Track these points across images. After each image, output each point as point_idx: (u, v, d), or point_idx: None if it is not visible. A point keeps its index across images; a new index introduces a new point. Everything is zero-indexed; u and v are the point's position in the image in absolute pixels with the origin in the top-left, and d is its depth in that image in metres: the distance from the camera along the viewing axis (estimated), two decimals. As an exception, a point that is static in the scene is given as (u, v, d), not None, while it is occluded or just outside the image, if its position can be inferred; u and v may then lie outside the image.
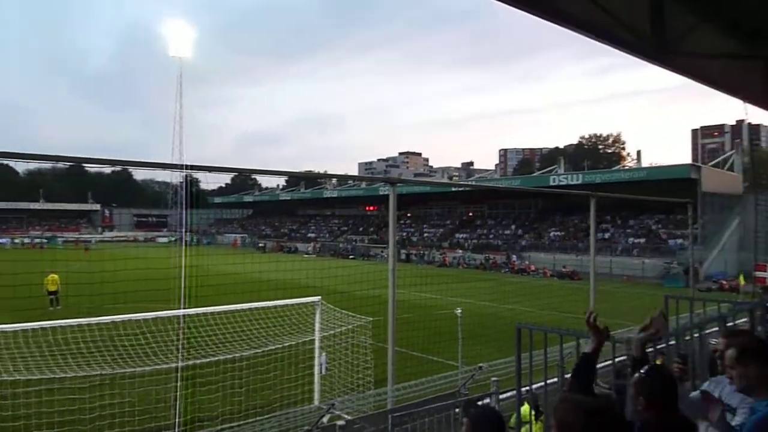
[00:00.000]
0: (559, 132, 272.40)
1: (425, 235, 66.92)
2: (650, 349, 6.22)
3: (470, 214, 67.49)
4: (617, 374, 5.68)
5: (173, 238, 78.32)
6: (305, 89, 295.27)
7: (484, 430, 3.00)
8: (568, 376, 4.90)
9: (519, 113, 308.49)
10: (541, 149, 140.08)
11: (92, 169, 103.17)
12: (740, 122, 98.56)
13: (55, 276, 24.01)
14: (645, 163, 56.39)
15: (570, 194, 26.80)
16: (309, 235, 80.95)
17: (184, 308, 10.36)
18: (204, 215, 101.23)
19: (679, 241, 43.55)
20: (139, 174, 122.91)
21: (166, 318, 10.65)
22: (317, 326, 11.82)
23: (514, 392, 5.92)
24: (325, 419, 7.93)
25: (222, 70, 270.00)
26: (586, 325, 3.64)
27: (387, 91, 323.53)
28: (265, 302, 12.10)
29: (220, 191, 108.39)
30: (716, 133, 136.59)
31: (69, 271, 22.39)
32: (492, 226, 62.59)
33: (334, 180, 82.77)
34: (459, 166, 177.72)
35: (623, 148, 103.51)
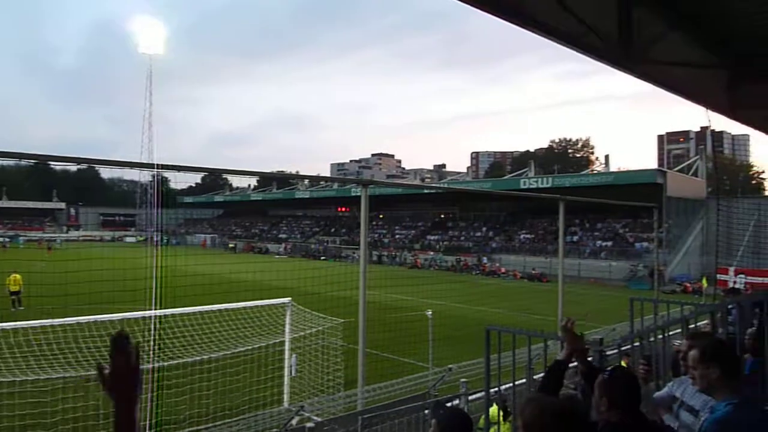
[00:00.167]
0: (530, 136, 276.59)
1: (397, 236, 67.06)
2: (615, 351, 6.36)
3: (442, 216, 67.87)
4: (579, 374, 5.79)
5: (141, 238, 77.07)
6: (277, 90, 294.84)
7: (452, 431, 3.02)
8: (536, 377, 4.97)
9: (491, 116, 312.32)
10: (512, 152, 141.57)
11: (58, 167, 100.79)
12: (704, 129, 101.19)
13: (18, 276, 23.38)
14: (613, 168, 57.57)
15: (540, 197, 27.17)
16: (280, 235, 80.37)
17: (153, 309, 10.18)
18: (173, 215, 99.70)
19: (645, 244, 44.51)
20: (106, 172, 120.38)
21: (132, 319, 10.44)
22: (287, 328, 11.73)
23: (483, 393, 5.98)
24: (294, 421, 7.88)
25: (191, 68, 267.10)
26: (563, 330, 3.64)
27: (360, 92, 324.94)
28: (235, 303, 11.96)
29: (189, 191, 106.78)
30: (681, 139, 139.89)
31: (32, 271, 21.83)
32: (463, 228, 63.05)
33: (306, 180, 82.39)
34: (431, 168, 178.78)
35: (592, 153, 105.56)
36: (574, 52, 5.58)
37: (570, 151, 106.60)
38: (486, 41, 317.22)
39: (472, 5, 4.41)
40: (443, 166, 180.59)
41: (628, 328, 6.03)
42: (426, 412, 8.01)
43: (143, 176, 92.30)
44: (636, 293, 19.59)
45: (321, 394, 10.93)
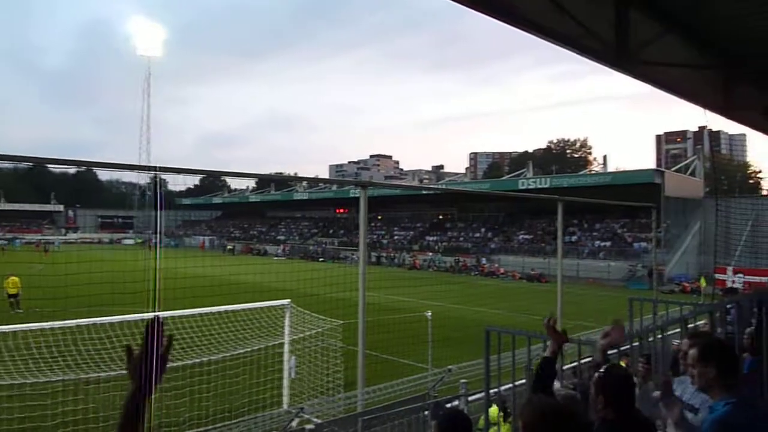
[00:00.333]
0: (528, 136, 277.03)
1: (395, 237, 67.08)
2: (614, 352, 6.38)
3: (440, 217, 67.91)
4: (577, 375, 5.81)
5: (139, 240, 77.03)
6: (272, 91, 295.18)
7: (452, 432, 3.04)
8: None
9: (489, 117, 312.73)
10: (510, 153, 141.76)
11: (55, 170, 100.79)
12: (702, 129, 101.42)
13: (16, 278, 23.35)
14: (611, 168, 57.67)
15: (538, 198, 27.25)
16: (278, 237, 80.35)
17: (152, 311, 10.17)
18: (171, 217, 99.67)
19: (643, 244, 44.59)
20: (104, 174, 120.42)
21: (132, 322, 10.44)
22: (287, 329, 11.74)
23: (482, 394, 5.99)
24: (294, 423, 7.89)
25: (184, 69, 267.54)
26: (545, 328, 3.77)
27: (355, 93, 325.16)
28: (234, 305, 11.97)
29: (188, 192, 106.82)
30: (679, 139, 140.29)
31: (31, 274, 21.80)
32: (462, 229, 63.09)
33: (304, 182, 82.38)
34: (429, 169, 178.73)
35: (590, 153, 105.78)
36: (571, 53, 5.60)
37: (568, 151, 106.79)
38: (481, 42, 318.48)
39: (465, 5, 4.42)
40: (441, 166, 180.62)
41: (628, 328, 6.04)
42: (426, 413, 8.03)
43: (141, 178, 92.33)
44: (635, 293, 19.61)
45: (321, 396, 10.93)
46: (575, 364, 5.79)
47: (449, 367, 9.73)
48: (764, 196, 57.36)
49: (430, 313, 13.07)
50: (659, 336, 5.48)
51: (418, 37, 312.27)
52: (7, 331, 9.74)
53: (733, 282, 27.73)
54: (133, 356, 1.54)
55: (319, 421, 8.03)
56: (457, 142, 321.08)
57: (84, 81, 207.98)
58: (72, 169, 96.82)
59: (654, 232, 25.98)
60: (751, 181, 76.73)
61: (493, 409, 6.19)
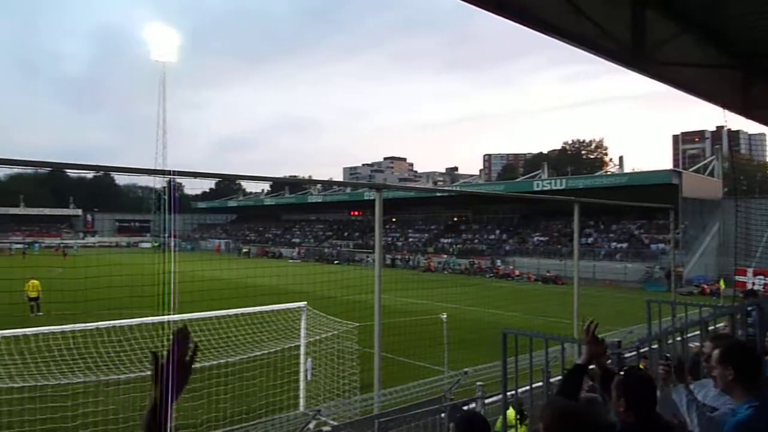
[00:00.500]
0: (542, 137, 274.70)
1: (410, 239, 67.02)
2: (633, 353, 6.32)
3: (455, 219, 67.72)
4: (592, 378, 5.77)
5: (156, 243, 77.73)
6: (283, 94, 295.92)
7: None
8: (553, 380, 4.97)
9: (503, 118, 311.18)
10: (525, 155, 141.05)
11: (74, 175, 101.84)
12: (720, 128, 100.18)
13: (36, 282, 23.68)
14: (627, 169, 57.15)
15: (554, 199, 27.08)
16: (293, 240, 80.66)
17: (169, 314, 10.27)
18: (188, 220, 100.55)
19: (661, 245, 44.10)
20: (122, 179, 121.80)
21: (150, 324, 10.56)
22: (303, 332, 11.78)
23: (499, 397, 5.97)
24: (311, 425, 7.92)
25: (198, 73, 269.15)
26: (585, 334, 3.59)
27: (368, 95, 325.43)
28: (250, 308, 12.03)
29: (203, 196, 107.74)
30: (697, 139, 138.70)
31: (51, 277, 22.11)
32: (476, 230, 62.87)
33: (318, 185, 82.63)
34: (443, 171, 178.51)
35: (606, 154, 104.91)
36: (585, 53, 5.59)
37: (583, 152, 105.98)
38: (493, 42, 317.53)
39: (478, 6, 4.43)
40: (455, 168, 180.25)
41: (646, 331, 6.00)
42: (442, 415, 8.02)
43: (157, 182, 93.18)
44: (652, 295, 19.41)
45: (336, 398, 10.96)
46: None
47: (465, 369, 9.72)
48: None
49: (445, 316, 13.05)
50: (678, 339, 5.43)
51: (429, 38, 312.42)
52: (29, 333, 9.89)
53: (754, 284, 27.29)
54: (159, 362, 1.56)
55: (336, 423, 8.05)
56: (470, 143, 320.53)
57: (100, 86, 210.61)
58: (90, 174, 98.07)
59: (672, 234, 25.71)
60: (771, 181, 75.65)
61: (511, 412, 6.18)
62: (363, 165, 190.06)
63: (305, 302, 12.03)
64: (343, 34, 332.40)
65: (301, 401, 11.28)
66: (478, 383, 8.68)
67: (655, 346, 5.40)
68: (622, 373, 3.10)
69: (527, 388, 6.21)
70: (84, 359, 11.37)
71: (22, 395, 9.86)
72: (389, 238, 65.57)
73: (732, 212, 24.39)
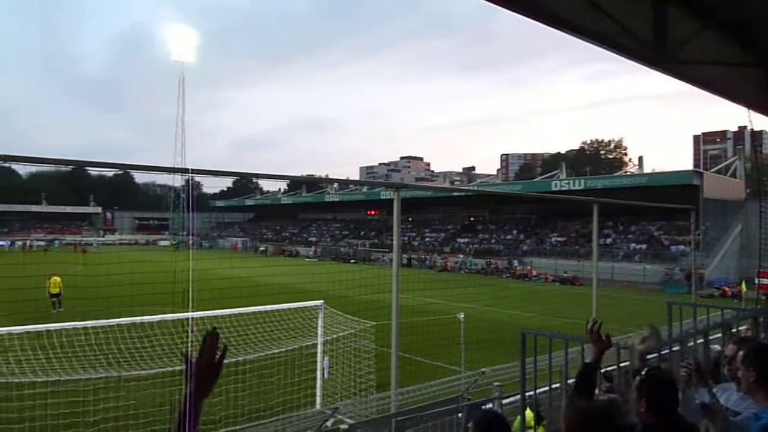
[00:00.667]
0: (561, 137, 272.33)
1: (426, 239, 66.95)
2: (654, 355, 6.26)
3: (472, 218, 67.53)
4: (609, 379, 5.72)
5: (175, 241, 78.56)
6: (300, 94, 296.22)
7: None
8: (571, 381, 4.94)
9: (521, 118, 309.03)
10: (542, 154, 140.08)
11: (94, 173, 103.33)
12: (742, 128, 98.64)
13: (57, 278, 24.07)
14: (647, 169, 56.53)
15: (572, 200, 26.83)
16: (310, 238, 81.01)
17: (188, 312, 10.38)
18: (206, 219, 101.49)
19: (681, 247, 43.55)
20: (141, 177, 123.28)
21: (170, 321, 10.67)
22: (320, 330, 11.84)
23: (516, 397, 5.95)
24: (329, 423, 7.96)
25: (216, 74, 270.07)
26: (588, 334, 3.70)
27: (387, 95, 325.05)
28: (268, 306, 12.12)
29: (221, 195, 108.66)
30: (718, 140, 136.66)
31: (73, 273, 22.46)
32: (493, 230, 62.62)
33: (335, 184, 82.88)
34: (460, 170, 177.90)
35: (625, 154, 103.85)
36: (605, 53, 5.53)
37: (602, 152, 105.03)
38: (511, 41, 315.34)
39: (496, 3, 4.39)
40: (473, 168, 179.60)
41: (666, 333, 5.93)
42: (459, 415, 8.01)
43: (176, 181, 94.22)
44: (671, 297, 19.15)
45: (353, 397, 10.99)
46: (612, 368, 5.72)
47: (482, 369, 9.70)
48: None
49: (462, 315, 13.02)
50: (700, 341, 5.37)
51: (446, 40, 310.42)
52: (51, 329, 10.07)
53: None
54: (190, 363, 1.64)
55: (352, 421, 8.08)
56: (488, 143, 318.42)
57: (120, 87, 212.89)
58: (110, 173, 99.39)
59: (693, 235, 25.34)
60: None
61: (529, 413, 6.15)
62: (380, 164, 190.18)
63: (322, 301, 12.08)
64: (361, 35, 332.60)
65: (318, 399, 11.34)
66: (495, 383, 8.66)
67: (676, 348, 5.34)
68: (643, 373, 3.08)
69: (545, 389, 6.17)
70: (105, 355, 11.54)
71: (44, 390, 10.04)
72: (406, 238, 65.56)
73: (755, 213, 24.00)
